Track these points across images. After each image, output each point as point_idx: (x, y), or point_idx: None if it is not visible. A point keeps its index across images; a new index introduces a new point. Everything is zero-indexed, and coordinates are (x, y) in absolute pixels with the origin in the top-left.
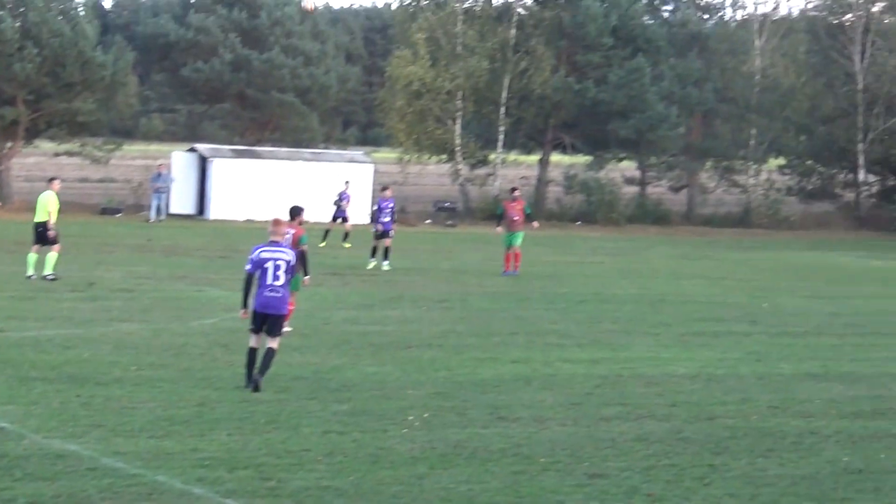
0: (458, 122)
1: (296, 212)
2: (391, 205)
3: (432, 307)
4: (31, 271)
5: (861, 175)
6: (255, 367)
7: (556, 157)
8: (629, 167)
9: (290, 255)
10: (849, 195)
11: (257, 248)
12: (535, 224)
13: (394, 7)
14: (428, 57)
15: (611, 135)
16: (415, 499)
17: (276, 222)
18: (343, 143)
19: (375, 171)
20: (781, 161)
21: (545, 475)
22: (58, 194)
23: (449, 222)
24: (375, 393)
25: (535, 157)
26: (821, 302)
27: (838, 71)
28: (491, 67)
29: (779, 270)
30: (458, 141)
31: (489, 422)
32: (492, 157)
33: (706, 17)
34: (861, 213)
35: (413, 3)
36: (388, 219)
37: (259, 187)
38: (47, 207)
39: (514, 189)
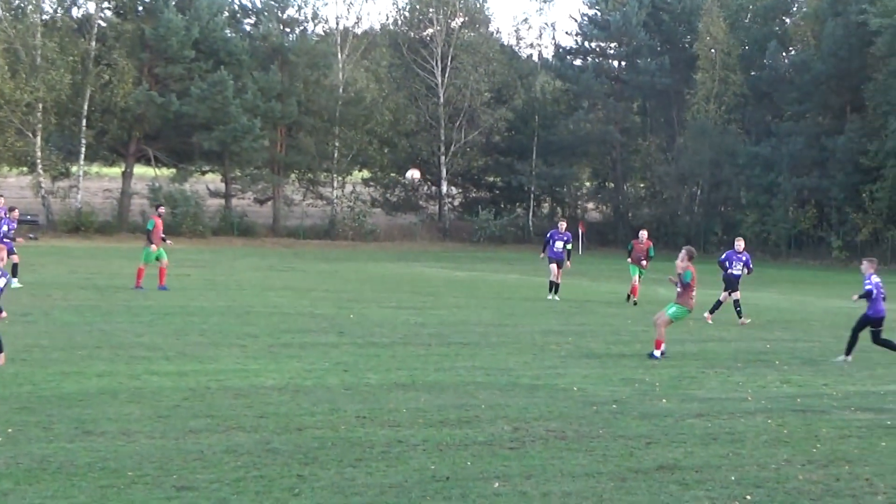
0: (40, 134)
1: None
2: (15, 225)
3: (15, 321)
4: None
5: (444, 188)
6: None
7: (140, 170)
8: (214, 179)
9: None
10: (432, 207)
11: None
12: (169, 242)
13: None
14: (7, 68)
15: (195, 147)
16: None
17: None
18: None
19: None
20: (366, 174)
21: (133, 488)
22: None
23: (31, 235)
24: None
25: (118, 170)
26: (407, 312)
27: (421, 85)
28: (72, 80)
29: (365, 281)
30: (39, 153)
31: (75, 436)
32: (74, 169)
33: (288, 30)
34: (445, 225)
35: None
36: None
37: None
38: None
39: (159, 205)
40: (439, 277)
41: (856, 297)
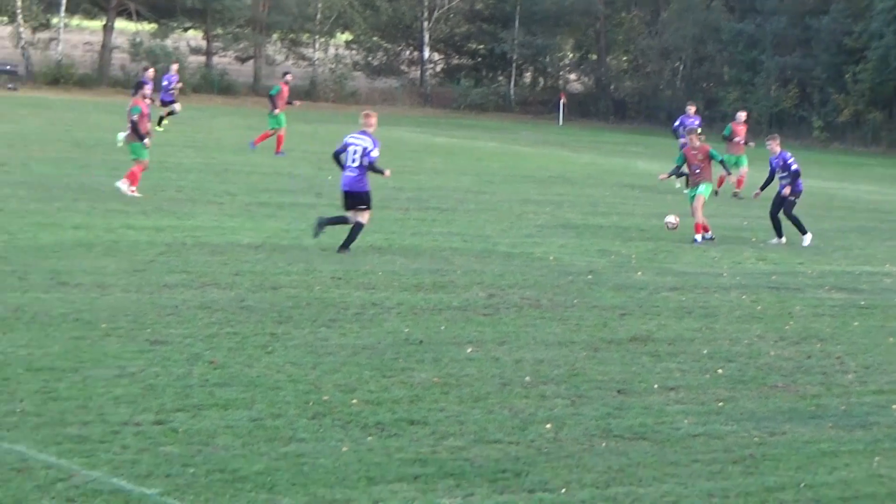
0: None
1: (138, 86)
2: None
3: None
4: None
5: (426, 53)
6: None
7: (121, 24)
8: (196, 36)
9: (367, 143)
10: (414, 72)
11: (349, 135)
12: (298, 103)
13: None
14: None
15: (177, 3)
16: None
17: (367, 115)
18: None
19: None
20: (348, 36)
21: (106, 340)
22: None
23: (10, 86)
24: None
25: (99, 23)
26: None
27: None
28: None
29: None
30: (19, 3)
31: (50, 287)
32: (55, 21)
33: None
34: (426, 91)
35: None
36: None
37: None
38: None
39: (286, 73)
40: (419, 142)
41: (787, 188)
